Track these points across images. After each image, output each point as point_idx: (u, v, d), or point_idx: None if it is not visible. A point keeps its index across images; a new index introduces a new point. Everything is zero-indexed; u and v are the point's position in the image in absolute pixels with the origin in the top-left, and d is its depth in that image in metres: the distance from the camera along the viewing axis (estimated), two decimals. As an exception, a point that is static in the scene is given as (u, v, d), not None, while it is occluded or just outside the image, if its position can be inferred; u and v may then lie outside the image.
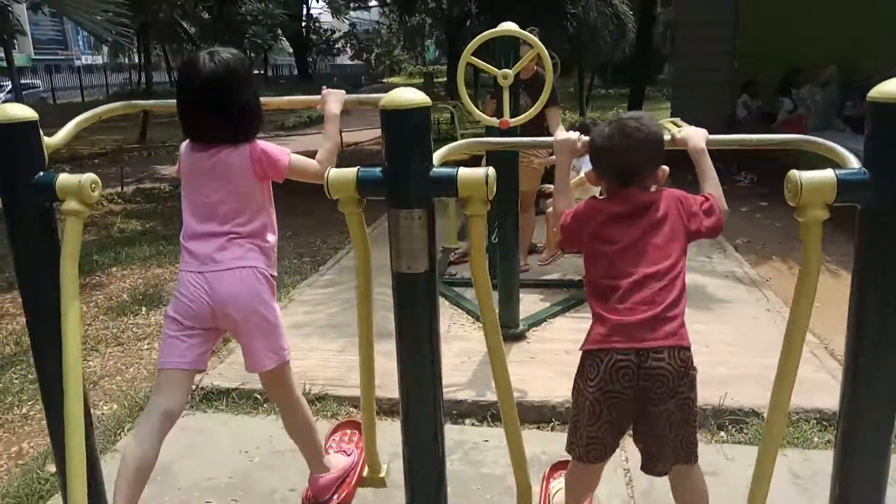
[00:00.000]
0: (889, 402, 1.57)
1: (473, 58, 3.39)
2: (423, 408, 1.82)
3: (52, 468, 2.70)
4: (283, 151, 1.98)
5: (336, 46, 44.81)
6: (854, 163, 1.61)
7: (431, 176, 1.65)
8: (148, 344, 4.20)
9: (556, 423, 3.12)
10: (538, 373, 3.43)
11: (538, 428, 3.14)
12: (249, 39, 16.71)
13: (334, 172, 1.71)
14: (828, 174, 1.50)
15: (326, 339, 3.96)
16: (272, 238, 2.05)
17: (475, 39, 3.41)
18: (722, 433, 2.97)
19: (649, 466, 1.86)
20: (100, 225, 7.44)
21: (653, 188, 1.86)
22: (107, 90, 35.87)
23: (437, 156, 1.91)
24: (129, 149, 13.30)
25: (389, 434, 2.22)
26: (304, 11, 38.19)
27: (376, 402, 2.33)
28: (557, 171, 1.96)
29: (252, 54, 18.17)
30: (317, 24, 41.98)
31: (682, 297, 1.77)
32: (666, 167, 1.86)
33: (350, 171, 1.69)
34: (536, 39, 3.27)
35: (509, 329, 3.83)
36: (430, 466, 1.86)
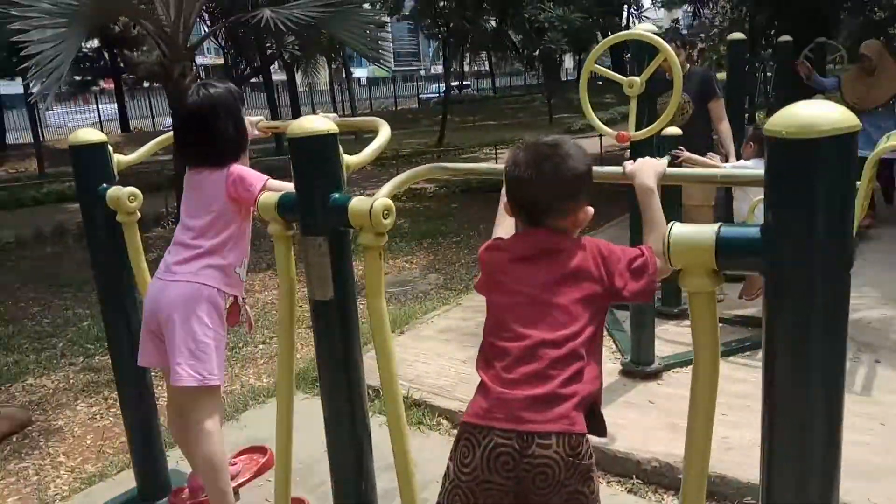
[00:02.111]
0: (802, 473, 1.13)
1: (597, 65, 3.14)
2: (341, 434, 1.81)
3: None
4: (259, 177, 2.08)
5: (654, 46, 43.12)
6: None
7: (330, 204, 1.64)
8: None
9: (638, 481, 2.75)
10: (644, 421, 3.04)
11: (619, 482, 2.79)
12: (544, 45, 17.11)
13: (264, 196, 1.80)
14: (705, 231, 1.13)
15: (459, 347, 4.01)
16: (235, 258, 2.14)
17: (600, 45, 3.14)
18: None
19: None
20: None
21: (575, 233, 1.52)
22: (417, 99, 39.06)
23: (394, 183, 1.89)
24: (426, 151, 14.76)
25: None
26: (626, 13, 37.57)
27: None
28: None
29: (539, 61, 18.45)
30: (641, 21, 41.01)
31: (585, 371, 1.43)
32: (590, 208, 1.51)
33: (274, 196, 1.77)
34: (662, 41, 2.88)
35: (638, 366, 3.44)
36: (352, 489, 1.85)
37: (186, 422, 2.13)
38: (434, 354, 3.91)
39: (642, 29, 3.01)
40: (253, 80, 19.36)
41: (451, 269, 5.98)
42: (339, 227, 1.64)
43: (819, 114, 0.99)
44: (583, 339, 1.43)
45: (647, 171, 1.53)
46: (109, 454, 3.21)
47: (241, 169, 2.10)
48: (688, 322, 3.98)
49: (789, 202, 1.02)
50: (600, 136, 11.28)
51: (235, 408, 3.47)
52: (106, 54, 22.04)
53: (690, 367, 3.36)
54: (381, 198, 1.58)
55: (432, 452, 2.91)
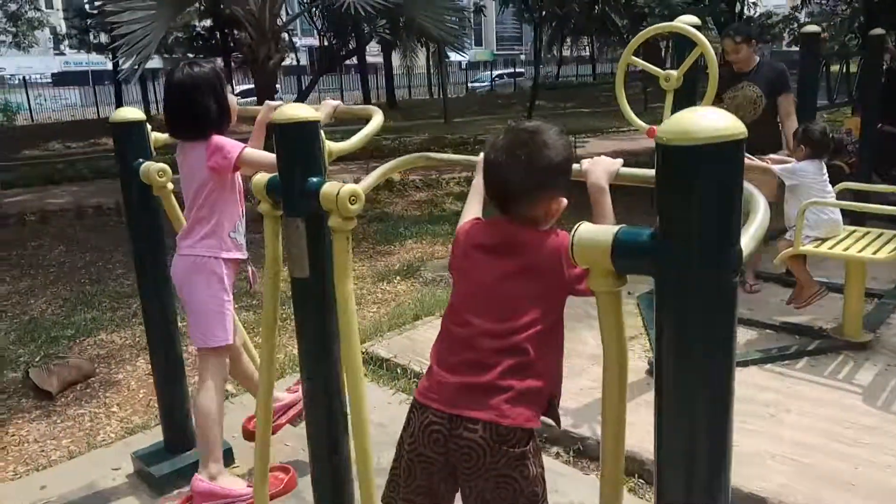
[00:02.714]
0: (690, 470, 1.13)
1: (635, 58, 3.08)
2: (320, 409, 1.92)
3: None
4: (236, 145, 2.21)
5: (772, 32, 40.76)
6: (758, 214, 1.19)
7: (306, 188, 1.74)
8: (377, 308, 4.87)
9: (640, 481, 2.72)
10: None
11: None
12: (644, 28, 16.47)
13: (258, 176, 1.92)
14: (605, 231, 1.15)
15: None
16: (228, 224, 2.29)
17: (637, 36, 3.09)
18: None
19: None
20: (432, 203, 8.61)
21: (548, 225, 1.50)
22: (513, 83, 38.38)
23: (380, 171, 1.97)
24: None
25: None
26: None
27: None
28: None
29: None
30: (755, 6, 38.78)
31: (531, 366, 1.44)
32: (563, 200, 1.48)
33: (266, 176, 1.88)
34: (698, 34, 2.80)
35: (666, 365, 3.37)
36: (327, 467, 1.96)
37: (199, 375, 2.37)
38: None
39: (682, 21, 2.92)
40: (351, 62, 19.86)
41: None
42: (315, 210, 1.73)
43: (702, 121, 0.98)
44: (530, 334, 1.43)
45: (600, 169, 1.53)
46: (155, 408, 3.49)
47: (219, 139, 2.23)
48: (756, 328, 3.89)
49: (672, 207, 1.02)
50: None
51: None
52: (217, 34, 23.17)
53: None
54: (349, 184, 1.66)
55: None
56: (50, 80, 35.32)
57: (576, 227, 1.19)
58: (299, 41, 36.81)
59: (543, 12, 15.35)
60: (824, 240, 3.64)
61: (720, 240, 1.01)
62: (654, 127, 2.94)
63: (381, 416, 3.18)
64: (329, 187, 1.68)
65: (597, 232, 1.15)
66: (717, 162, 0.99)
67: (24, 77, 24.24)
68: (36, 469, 2.98)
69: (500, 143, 1.49)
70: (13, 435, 3.31)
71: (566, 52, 36.33)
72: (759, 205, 1.23)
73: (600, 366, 3.79)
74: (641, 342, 3.86)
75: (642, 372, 3.45)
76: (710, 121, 0.98)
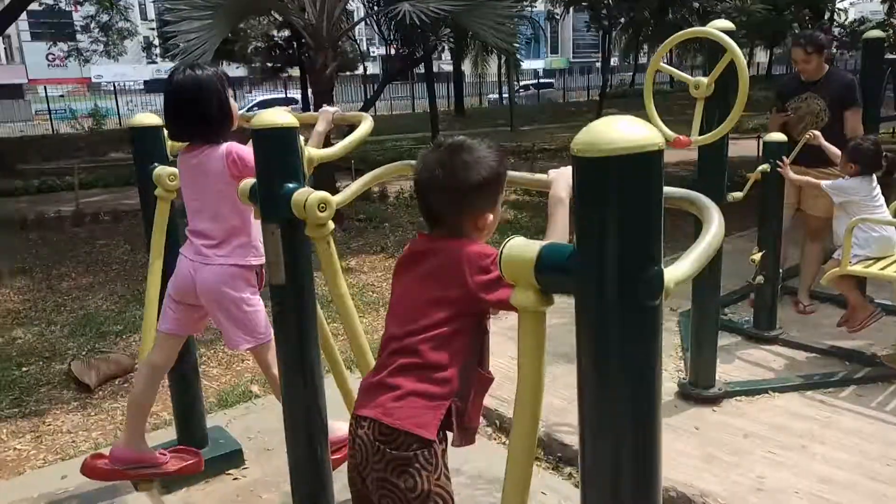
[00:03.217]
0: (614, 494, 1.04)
1: (664, 65, 2.96)
2: (298, 413, 1.92)
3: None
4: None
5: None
6: (715, 224, 1.11)
7: (281, 193, 1.74)
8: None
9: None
10: (678, 446, 2.84)
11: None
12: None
13: (244, 181, 1.92)
14: (530, 246, 1.08)
15: (520, 348, 3.97)
16: (255, 231, 2.27)
17: (667, 41, 2.96)
18: None
19: None
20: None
21: (480, 238, 1.48)
22: (586, 90, 37.90)
23: (363, 180, 1.95)
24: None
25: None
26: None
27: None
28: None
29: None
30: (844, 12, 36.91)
31: (425, 370, 1.41)
32: (490, 215, 1.45)
33: (250, 181, 1.89)
34: (728, 39, 2.65)
35: (695, 388, 3.20)
36: (308, 469, 1.95)
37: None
38: (496, 353, 3.89)
39: (713, 26, 2.78)
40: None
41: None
42: (290, 217, 1.73)
43: (613, 132, 0.91)
44: (427, 336, 1.42)
45: (563, 181, 1.46)
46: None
47: (238, 148, 2.20)
48: (780, 348, 3.69)
49: (585, 223, 0.95)
50: (759, 138, 10.40)
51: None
52: (295, 44, 23.87)
53: (755, 397, 3.14)
54: (319, 192, 1.65)
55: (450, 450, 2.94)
56: (142, 87, 37.27)
57: (507, 240, 1.13)
58: (376, 50, 37.51)
59: (612, 19, 15.05)
60: (877, 259, 3.38)
61: (634, 260, 0.93)
62: (682, 137, 2.82)
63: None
64: (298, 194, 1.67)
65: (524, 246, 1.09)
66: (627, 176, 0.91)
67: (114, 84, 25.67)
68: (63, 459, 3.10)
69: (426, 161, 1.49)
70: (49, 424, 3.46)
71: (643, 60, 35.63)
72: (713, 222, 1.14)
73: None
74: (676, 362, 3.69)
75: (671, 393, 3.29)
76: (621, 131, 0.91)
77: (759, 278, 3.78)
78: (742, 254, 4.20)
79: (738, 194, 3.66)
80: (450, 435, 1.52)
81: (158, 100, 29.88)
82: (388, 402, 1.42)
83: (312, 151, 1.87)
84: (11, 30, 39.77)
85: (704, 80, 2.81)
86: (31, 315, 5.21)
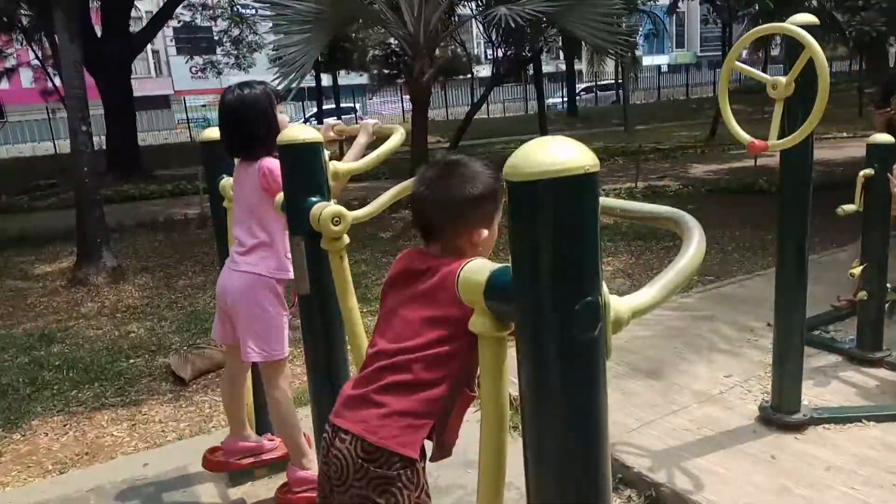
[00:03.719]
0: None
1: (739, 64, 2.76)
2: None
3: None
4: None
5: None
6: (692, 248, 1.05)
7: (304, 206, 1.79)
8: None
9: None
10: (749, 475, 2.63)
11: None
12: (856, 26, 14.79)
13: (279, 195, 1.99)
14: (483, 270, 1.05)
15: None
16: (284, 245, 2.32)
17: (742, 38, 2.76)
18: None
19: None
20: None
21: (474, 254, 1.40)
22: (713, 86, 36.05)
23: (387, 195, 1.96)
24: (693, 146, 13.80)
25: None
26: None
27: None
28: None
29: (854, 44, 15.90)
30: None
31: (414, 388, 1.37)
32: (485, 231, 1.41)
33: (280, 195, 1.96)
34: (806, 35, 2.43)
35: (776, 413, 2.96)
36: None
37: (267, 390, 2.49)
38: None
39: (793, 21, 2.56)
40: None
41: (644, 275, 5.65)
42: (311, 230, 1.77)
43: (537, 154, 0.86)
44: (420, 356, 1.39)
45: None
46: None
47: (270, 161, 2.26)
48: (885, 372, 3.34)
49: (518, 248, 0.91)
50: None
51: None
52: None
53: (846, 426, 2.87)
54: (334, 206, 1.68)
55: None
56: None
57: (467, 261, 1.10)
58: (492, 52, 37.65)
59: (733, 11, 14.21)
60: None
61: (566, 289, 0.88)
62: (757, 140, 2.62)
63: (453, 434, 3.15)
64: (316, 208, 1.71)
65: (477, 270, 1.06)
66: (556, 200, 0.86)
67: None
68: (149, 447, 3.35)
69: (424, 175, 1.49)
70: (145, 414, 3.75)
71: (774, 52, 33.33)
72: (690, 246, 1.05)
73: (704, 406, 3.48)
74: (764, 382, 3.42)
75: (751, 416, 3.06)
76: (550, 154, 0.86)
77: (862, 294, 3.44)
78: (845, 264, 3.85)
79: (851, 207, 3.36)
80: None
81: (291, 108, 31.79)
82: (374, 419, 1.41)
83: (339, 165, 1.90)
84: (160, 45, 43.38)
85: (783, 79, 2.60)
86: (146, 311, 5.67)
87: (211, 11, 21.99)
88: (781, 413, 2.96)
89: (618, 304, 0.95)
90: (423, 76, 7.29)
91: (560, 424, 0.93)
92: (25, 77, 25.65)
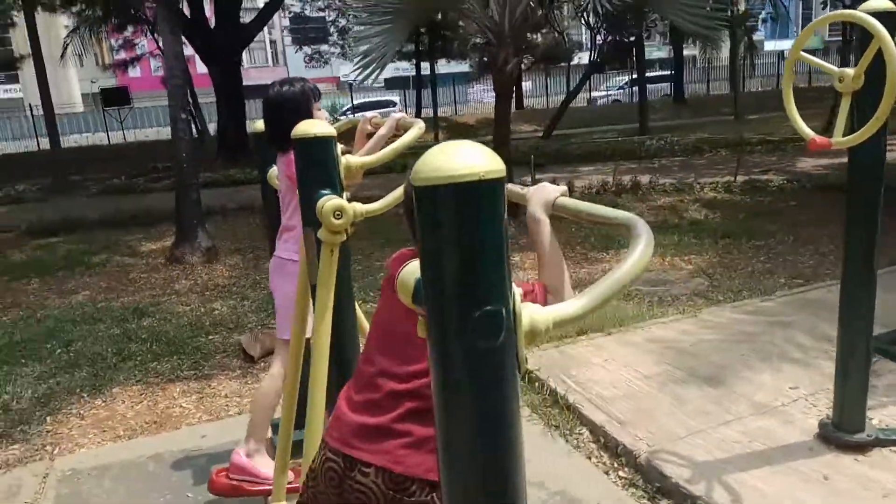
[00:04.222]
0: None
1: (804, 54, 2.57)
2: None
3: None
4: None
5: None
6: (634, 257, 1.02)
7: (314, 199, 1.83)
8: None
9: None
10: (795, 494, 2.46)
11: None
12: None
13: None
14: (414, 273, 1.03)
15: (654, 361, 3.69)
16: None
17: (808, 27, 2.55)
18: None
19: None
20: (674, 209, 8.02)
21: None
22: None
23: (396, 194, 1.97)
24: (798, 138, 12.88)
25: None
26: None
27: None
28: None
29: None
30: None
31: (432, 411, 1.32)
32: None
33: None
34: (875, 24, 2.22)
35: (837, 430, 2.74)
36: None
37: (272, 364, 2.62)
38: (623, 363, 3.69)
39: (865, 8, 2.34)
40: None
41: (725, 275, 5.36)
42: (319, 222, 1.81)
43: (442, 159, 0.84)
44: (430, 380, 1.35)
45: (538, 196, 1.35)
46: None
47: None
48: None
49: (423, 253, 0.89)
50: None
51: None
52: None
53: None
54: (336, 199, 1.71)
55: (541, 460, 2.86)
56: (382, 84, 40.47)
57: (405, 264, 1.10)
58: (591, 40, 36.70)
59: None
60: None
61: (467, 296, 0.86)
62: (819, 138, 2.44)
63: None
64: (322, 201, 1.75)
65: (410, 273, 1.05)
66: (457, 206, 0.84)
67: (348, 82, 28.22)
68: (211, 420, 3.56)
69: (413, 170, 1.43)
70: (213, 388, 3.98)
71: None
72: (633, 254, 1.00)
73: (761, 417, 3.36)
74: (833, 397, 3.18)
75: (811, 433, 2.86)
76: (452, 159, 0.84)
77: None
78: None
79: None
80: None
81: (394, 96, 32.47)
82: (399, 449, 1.37)
83: (352, 159, 1.93)
84: (277, 35, 45.35)
85: (851, 71, 2.39)
86: (231, 290, 5.99)
87: (320, 2, 22.76)
88: (842, 431, 2.74)
89: (535, 314, 0.92)
90: (506, 65, 7.23)
91: (467, 430, 0.92)
92: (155, 64, 27.56)
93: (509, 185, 1.58)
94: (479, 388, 0.90)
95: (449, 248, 0.85)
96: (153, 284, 6.33)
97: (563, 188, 1.35)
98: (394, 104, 26.58)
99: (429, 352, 0.94)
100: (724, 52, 27.77)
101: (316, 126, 1.84)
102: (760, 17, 25.43)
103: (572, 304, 0.95)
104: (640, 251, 1.01)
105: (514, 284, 0.93)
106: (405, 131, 2.31)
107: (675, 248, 6.20)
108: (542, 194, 1.35)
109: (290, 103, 2.41)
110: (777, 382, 3.35)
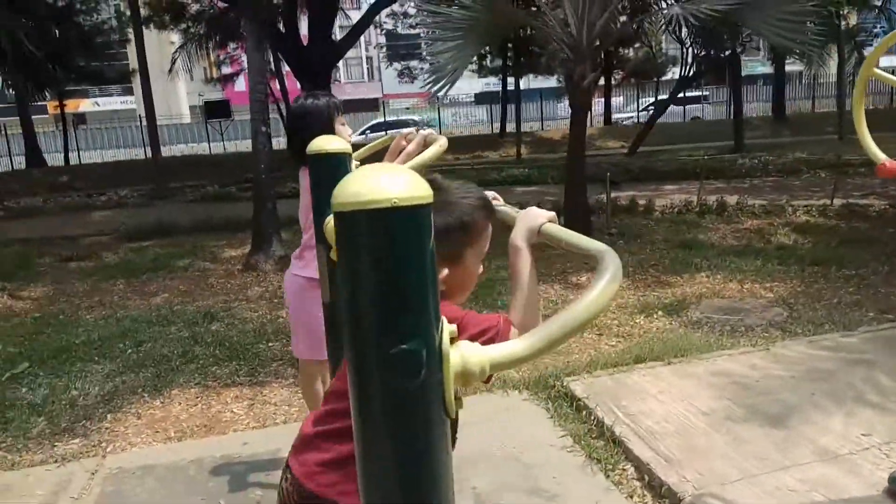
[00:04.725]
0: None
1: (879, 71, 2.34)
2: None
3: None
4: None
5: None
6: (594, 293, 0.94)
7: (327, 215, 1.81)
8: (615, 342, 4.55)
9: None
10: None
11: None
12: None
13: (322, 203, 2.04)
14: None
15: (713, 396, 3.45)
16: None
17: (881, 42, 2.33)
18: None
19: None
20: (760, 233, 7.58)
21: (451, 298, 1.30)
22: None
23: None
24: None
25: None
26: None
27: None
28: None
29: None
30: None
31: None
32: (445, 270, 1.25)
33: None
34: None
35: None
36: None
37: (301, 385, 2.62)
38: (679, 396, 3.48)
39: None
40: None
41: (808, 306, 4.98)
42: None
43: (360, 182, 0.79)
44: None
45: (521, 224, 1.25)
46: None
47: None
48: None
49: (339, 282, 0.84)
50: None
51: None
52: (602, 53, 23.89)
53: None
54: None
55: (576, 496, 2.73)
56: (472, 99, 40.78)
57: None
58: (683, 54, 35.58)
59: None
60: None
61: (378, 331, 0.79)
62: (890, 162, 2.22)
63: (531, 455, 3.04)
64: (329, 219, 1.72)
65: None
66: (371, 234, 0.78)
67: (437, 97, 28.74)
68: (256, 427, 3.61)
69: None
70: (265, 395, 4.05)
71: None
72: (591, 291, 0.91)
73: (824, 465, 3.15)
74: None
75: (879, 486, 2.58)
76: (370, 183, 0.78)
77: None
78: None
79: None
80: None
81: (482, 111, 32.59)
82: (315, 465, 1.36)
83: None
84: (373, 51, 46.64)
85: (930, 88, 2.15)
86: (299, 299, 6.12)
87: (411, 20, 23.20)
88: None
89: (469, 354, 0.84)
90: (583, 80, 7.08)
91: (386, 475, 0.85)
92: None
93: (503, 207, 1.50)
94: (398, 432, 0.83)
95: (364, 279, 0.79)
96: (227, 290, 6.56)
97: (551, 214, 1.26)
98: (415, 123, 26.79)
99: (348, 386, 0.88)
100: (833, 67, 26.27)
101: (331, 142, 1.81)
102: (874, 31, 23.85)
103: (518, 344, 0.87)
104: (602, 287, 0.91)
105: (444, 319, 0.86)
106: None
107: (756, 275, 5.84)
108: (528, 220, 1.26)
109: (312, 116, 2.42)
110: (848, 428, 3.06)
